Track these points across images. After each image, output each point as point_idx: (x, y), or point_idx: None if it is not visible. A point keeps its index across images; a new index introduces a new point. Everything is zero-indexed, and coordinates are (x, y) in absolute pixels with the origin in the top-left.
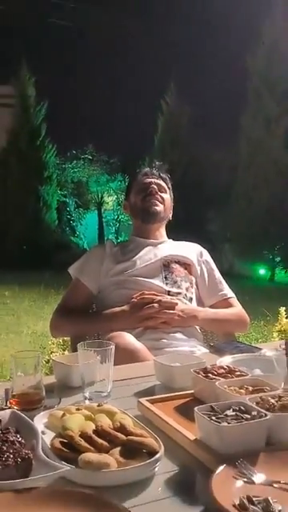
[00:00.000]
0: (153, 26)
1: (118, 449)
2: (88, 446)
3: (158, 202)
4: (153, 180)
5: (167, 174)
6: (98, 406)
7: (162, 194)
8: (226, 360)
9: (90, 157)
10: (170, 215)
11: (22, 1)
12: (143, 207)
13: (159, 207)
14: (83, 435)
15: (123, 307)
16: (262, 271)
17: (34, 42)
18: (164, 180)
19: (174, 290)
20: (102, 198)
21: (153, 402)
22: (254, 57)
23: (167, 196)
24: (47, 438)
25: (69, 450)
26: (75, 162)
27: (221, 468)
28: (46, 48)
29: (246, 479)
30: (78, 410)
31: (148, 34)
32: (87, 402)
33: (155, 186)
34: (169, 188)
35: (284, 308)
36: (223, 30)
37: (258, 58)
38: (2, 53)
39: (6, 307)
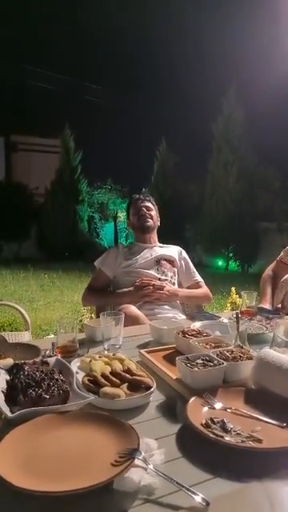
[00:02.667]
0: (149, 102)
1: (126, 384)
2: (106, 383)
3: (148, 219)
4: (142, 204)
5: (151, 197)
6: (113, 355)
7: (150, 212)
8: (197, 324)
9: (109, 187)
10: (158, 223)
11: (66, 82)
12: (139, 224)
13: (149, 222)
14: (103, 375)
15: (130, 288)
16: (220, 263)
17: (74, 110)
18: (150, 201)
19: (163, 277)
20: (116, 213)
21: (148, 352)
22: (216, 123)
23: (154, 212)
24: (79, 376)
25: (93, 385)
26: (99, 190)
27: (193, 398)
28: (81, 115)
29: (209, 406)
30: (100, 357)
31: (146, 108)
32: (106, 351)
33: (144, 209)
34: (154, 206)
35: (234, 288)
36: (196, 106)
37: (219, 124)
38: (53, 119)
39: (54, 285)
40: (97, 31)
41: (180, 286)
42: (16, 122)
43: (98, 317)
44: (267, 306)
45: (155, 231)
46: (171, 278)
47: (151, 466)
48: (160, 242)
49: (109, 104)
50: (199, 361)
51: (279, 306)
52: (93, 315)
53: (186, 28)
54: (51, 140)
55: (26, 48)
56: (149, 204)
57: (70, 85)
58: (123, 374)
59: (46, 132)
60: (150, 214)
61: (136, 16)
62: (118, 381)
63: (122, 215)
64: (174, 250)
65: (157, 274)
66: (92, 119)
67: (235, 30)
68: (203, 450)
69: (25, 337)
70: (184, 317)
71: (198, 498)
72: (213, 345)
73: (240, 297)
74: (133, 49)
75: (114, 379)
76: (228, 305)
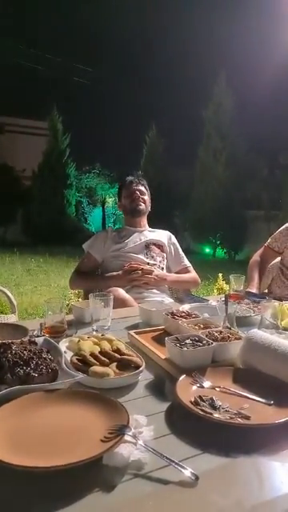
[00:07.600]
0: (139, 86)
1: (115, 364)
2: (95, 362)
3: (141, 203)
4: (136, 188)
5: (145, 180)
6: (102, 335)
7: (143, 196)
8: (186, 307)
9: (98, 171)
10: (149, 208)
11: (56, 64)
12: (131, 207)
13: (142, 206)
14: (92, 354)
15: (118, 272)
16: (207, 250)
17: (62, 92)
18: (143, 185)
19: (152, 262)
20: (105, 198)
21: (137, 333)
22: (207, 110)
23: (146, 197)
24: (68, 356)
25: (82, 364)
26: (88, 174)
27: (182, 377)
28: (70, 97)
29: (198, 385)
30: (88, 338)
31: (136, 92)
32: (94, 332)
33: (138, 192)
34: (147, 190)
35: (221, 274)
36: (186, 93)
37: (209, 111)
38: (40, 100)
39: (41, 269)
40: (89, 15)
41: (169, 270)
42: (3, 103)
43: (85, 299)
44: (254, 290)
45: (145, 216)
46: (160, 262)
47: (141, 442)
48: (150, 227)
49: (98, 87)
50: (188, 341)
51: (265, 291)
52: (80, 300)
53: (178, 15)
54: (39, 122)
55: (14, 27)
56: (142, 188)
57: (59, 66)
58: (112, 353)
59: (34, 114)
60: (143, 199)
61: (129, 1)
62: (107, 360)
63: (110, 200)
64: (163, 235)
65: (146, 259)
66: (81, 102)
67: (226, 17)
68: (192, 427)
69: (11, 320)
70: (172, 300)
71: (188, 473)
72: (202, 326)
73: (227, 283)
74: (124, 34)
75: (103, 358)
76: (215, 290)
